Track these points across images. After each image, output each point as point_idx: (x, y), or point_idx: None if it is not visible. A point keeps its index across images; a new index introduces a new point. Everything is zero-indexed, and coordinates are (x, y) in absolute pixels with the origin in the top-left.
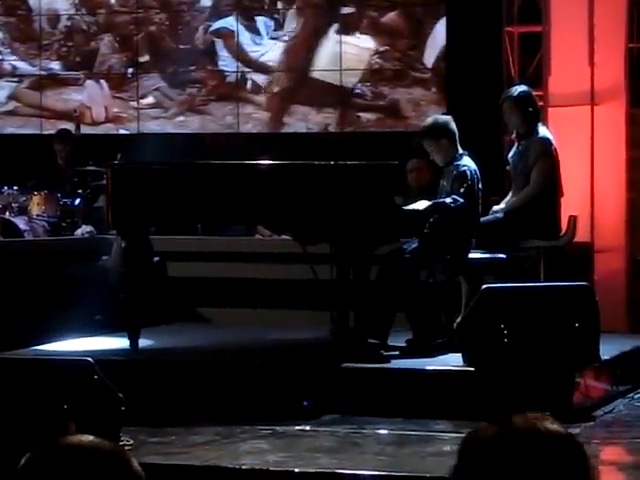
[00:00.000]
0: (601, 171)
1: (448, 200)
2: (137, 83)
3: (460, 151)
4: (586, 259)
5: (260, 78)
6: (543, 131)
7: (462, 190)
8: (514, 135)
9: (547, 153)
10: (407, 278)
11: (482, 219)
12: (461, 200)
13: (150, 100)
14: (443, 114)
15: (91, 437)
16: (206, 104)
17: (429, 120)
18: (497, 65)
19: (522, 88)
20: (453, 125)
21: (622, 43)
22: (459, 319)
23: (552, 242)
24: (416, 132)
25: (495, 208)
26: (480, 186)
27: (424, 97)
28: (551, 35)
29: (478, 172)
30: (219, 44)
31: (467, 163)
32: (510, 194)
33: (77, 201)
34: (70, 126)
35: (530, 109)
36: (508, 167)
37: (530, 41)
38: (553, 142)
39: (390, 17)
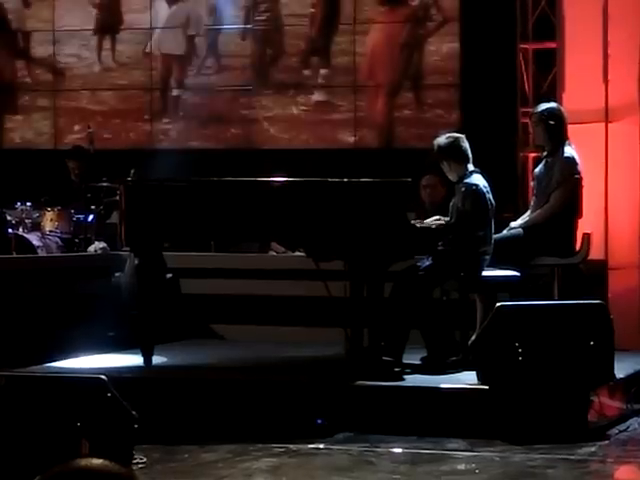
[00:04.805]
0: (615, 188)
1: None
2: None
3: (471, 168)
4: (600, 276)
5: None
6: (569, 151)
7: (473, 207)
8: (545, 152)
9: (571, 174)
10: (421, 295)
11: (499, 235)
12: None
13: None
14: (456, 131)
15: (100, 460)
16: None
17: (441, 137)
18: (511, 82)
19: (550, 104)
20: (464, 143)
21: (636, 60)
22: (473, 337)
23: (566, 260)
24: (430, 149)
25: (513, 224)
26: (493, 202)
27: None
28: (565, 52)
29: (489, 188)
30: None
31: (476, 180)
32: (529, 210)
33: (90, 217)
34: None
35: (552, 123)
36: (532, 183)
37: (544, 58)
38: (578, 162)
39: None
